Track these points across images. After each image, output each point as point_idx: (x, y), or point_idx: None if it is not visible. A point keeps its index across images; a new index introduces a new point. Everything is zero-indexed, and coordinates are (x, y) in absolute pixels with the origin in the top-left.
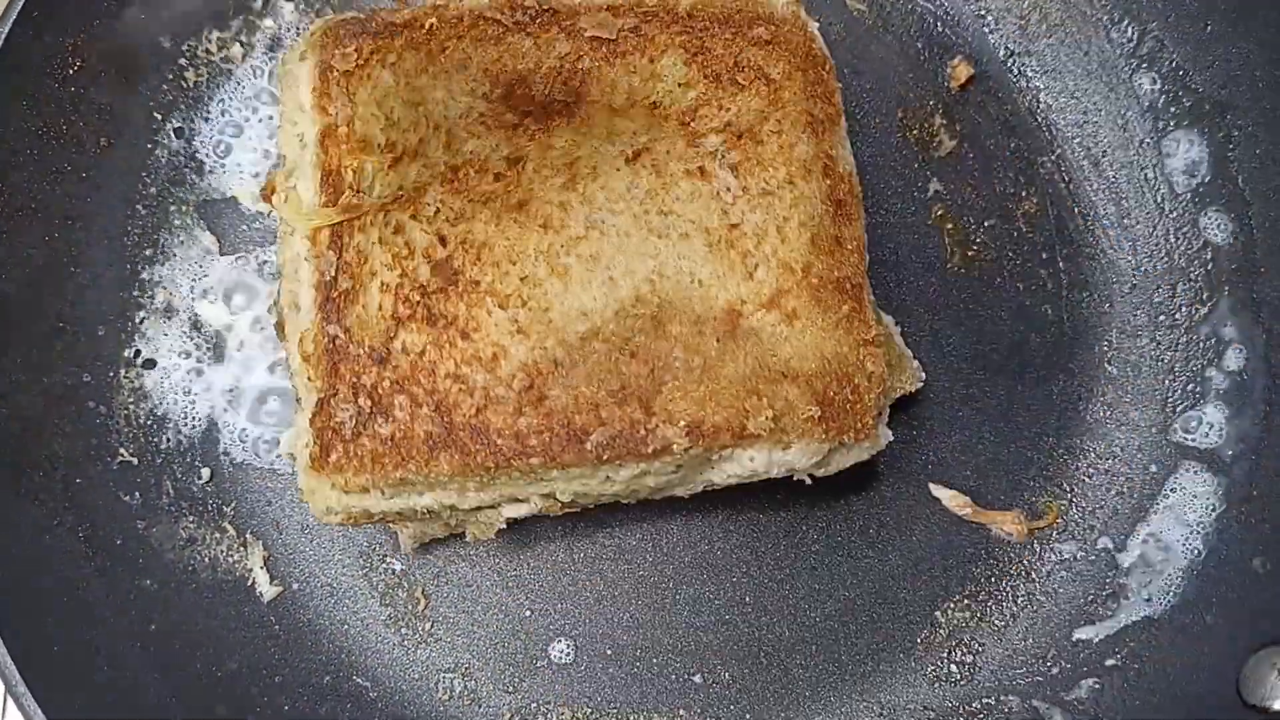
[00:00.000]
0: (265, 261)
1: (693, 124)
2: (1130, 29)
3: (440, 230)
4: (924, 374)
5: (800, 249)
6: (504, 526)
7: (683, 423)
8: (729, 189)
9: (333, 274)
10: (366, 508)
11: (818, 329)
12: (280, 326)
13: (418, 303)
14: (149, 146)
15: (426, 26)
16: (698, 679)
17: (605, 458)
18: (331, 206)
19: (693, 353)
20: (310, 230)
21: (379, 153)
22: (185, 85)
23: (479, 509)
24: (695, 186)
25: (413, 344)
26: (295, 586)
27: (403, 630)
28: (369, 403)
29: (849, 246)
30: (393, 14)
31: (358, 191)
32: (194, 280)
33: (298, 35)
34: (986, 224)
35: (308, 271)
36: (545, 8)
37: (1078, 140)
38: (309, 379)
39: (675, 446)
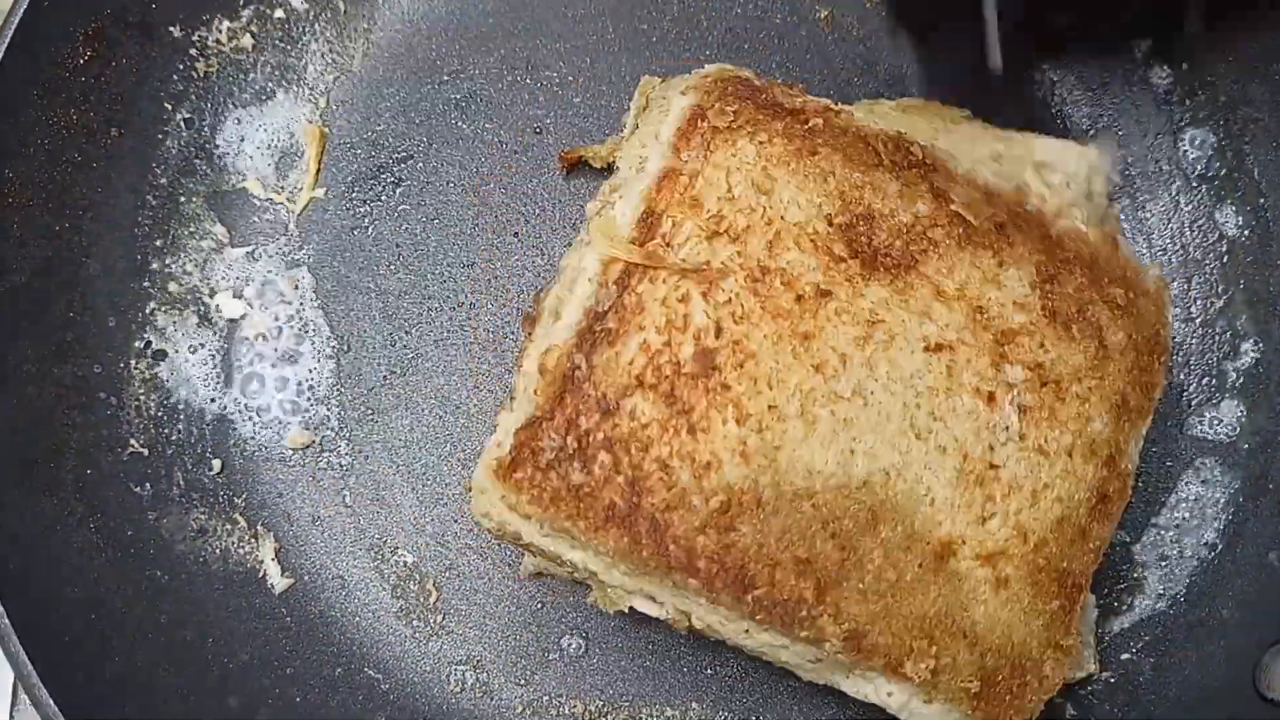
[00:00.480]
0: (280, 255)
1: (1006, 347)
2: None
3: (721, 320)
4: (1094, 664)
5: (1044, 523)
6: (625, 611)
7: (846, 625)
8: (1007, 429)
9: (605, 308)
10: (519, 531)
11: (1020, 609)
12: (530, 319)
13: (666, 377)
14: (159, 137)
15: (809, 124)
16: (709, 671)
17: (758, 617)
18: (638, 247)
19: (890, 565)
20: (606, 256)
21: (704, 218)
22: (196, 75)
23: (616, 586)
24: (976, 408)
25: (642, 412)
26: (306, 578)
27: (414, 622)
28: (575, 445)
29: (1091, 544)
30: (788, 95)
31: (667, 244)
32: (205, 271)
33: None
34: None
35: (585, 292)
36: (928, 162)
37: (1092, 134)
38: (534, 391)
39: (828, 645)
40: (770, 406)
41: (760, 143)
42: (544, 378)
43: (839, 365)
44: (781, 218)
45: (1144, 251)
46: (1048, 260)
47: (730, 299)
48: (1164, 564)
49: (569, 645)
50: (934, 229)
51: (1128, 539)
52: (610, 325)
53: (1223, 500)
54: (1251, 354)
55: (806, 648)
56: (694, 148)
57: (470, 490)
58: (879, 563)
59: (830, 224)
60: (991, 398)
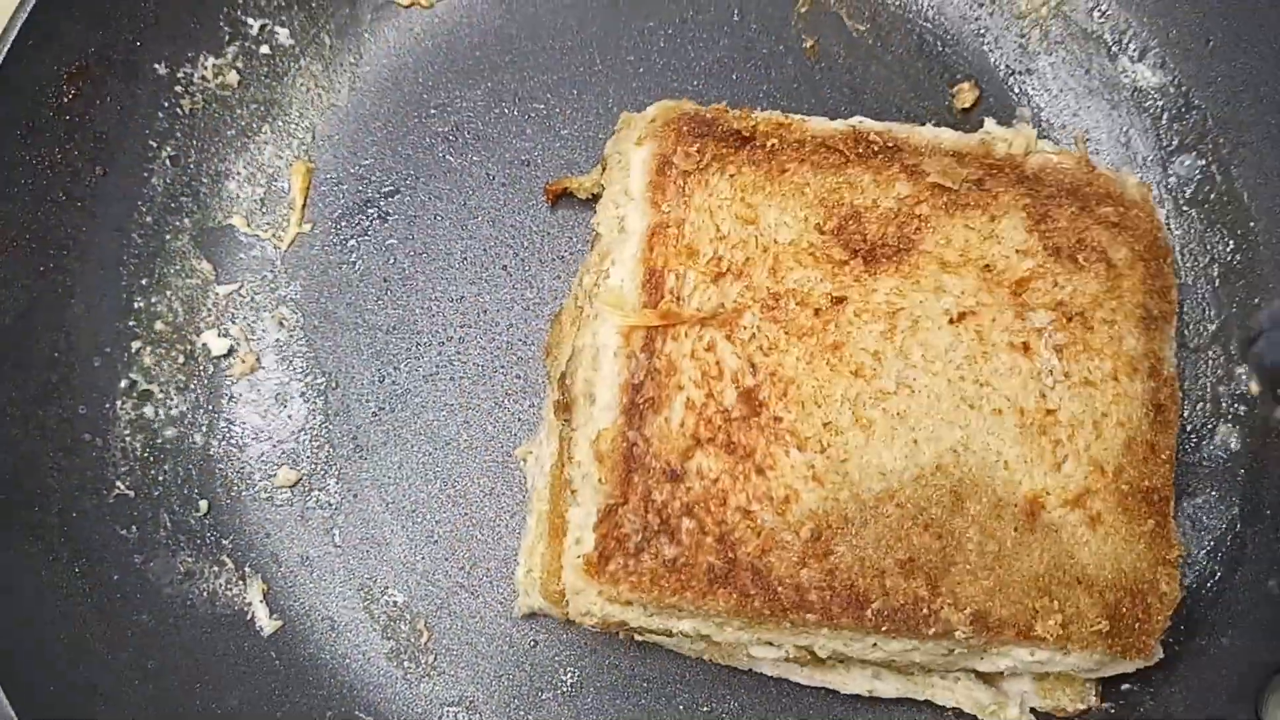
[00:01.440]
0: (267, 291)
1: (1024, 295)
2: (1131, 46)
3: (752, 357)
4: (1094, 697)
5: (1114, 449)
6: (743, 663)
7: (969, 610)
8: (1051, 372)
9: (641, 378)
10: (625, 619)
11: (1120, 539)
12: (561, 406)
13: (719, 427)
14: (145, 174)
15: (768, 146)
16: (705, 708)
17: (884, 629)
18: (651, 309)
19: (988, 537)
20: (625, 327)
21: (704, 264)
22: (181, 113)
23: (730, 643)
24: (1016, 362)
25: (708, 468)
26: (295, 620)
27: (405, 663)
28: (657, 520)
29: (1162, 456)
30: (737, 120)
31: (677, 299)
32: (191, 309)
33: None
34: None
35: (613, 367)
36: (890, 144)
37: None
38: (599, 480)
39: (958, 633)
40: (825, 424)
41: (731, 176)
42: (604, 464)
43: (875, 364)
44: (775, 241)
45: None
46: (1034, 201)
47: (754, 334)
48: None
49: (563, 684)
50: (919, 205)
51: None
52: (650, 394)
53: (1220, 527)
54: (1245, 379)
55: (938, 644)
56: (671, 196)
57: (526, 597)
58: (977, 539)
59: (821, 232)
60: (1027, 347)
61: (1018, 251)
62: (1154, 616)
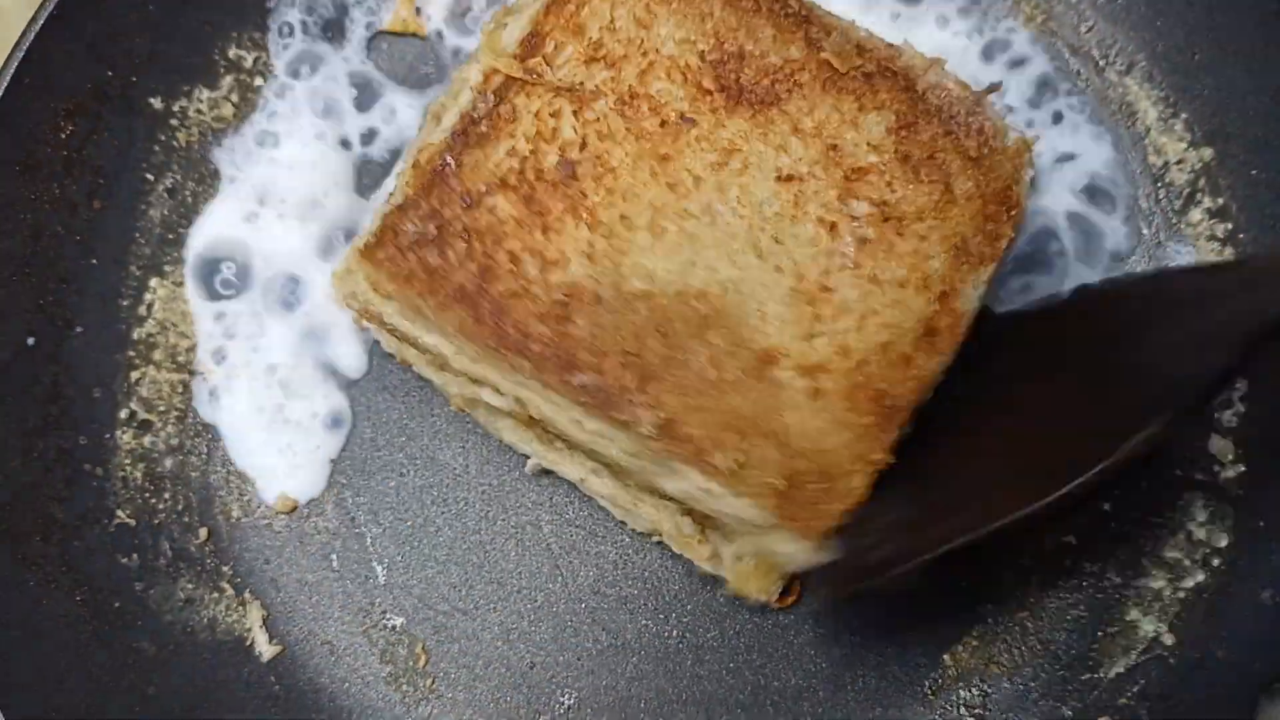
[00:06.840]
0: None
1: (855, 183)
2: (1119, 61)
3: (587, 136)
4: None
5: (867, 345)
6: (472, 409)
7: (662, 414)
8: (845, 255)
9: (482, 114)
10: (381, 312)
11: (831, 418)
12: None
13: (530, 181)
14: (142, 208)
15: None
16: None
17: (584, 401)
18: (520, 62)
19: (712, 366)
20: (488, 67)
21: (585, 44)
22: (177, 146)
23: (465, 377)
24: (817, 235)
25: (501, 209)
26: (294, 645)
27: (404, 687)
28: (434, 230)
29: (913, 371)
30: None
31: (548, 64)
32: (188, 339)
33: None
34: None
35: (466, 99)
36: (804, 12)
37: (1081, 190)
38: (406, 183)
39: (643, 429)
40: (622, 216)
41: None
42: (416, 170)
43: (691, 185)
44: (657, 50)
45: None
46: (909, 109)
47: (599, 119)
48: (1158, 606)
49: (560, 705)
50: (801, 73)
51: (1120, 581)
52: (483, 130)
53: (1215, 539)
54: (1239, 391)
55: (628, 439)
56: None
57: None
58: (701, 364)
59: (702, 60)
60: (834, 228)
61: (869, 145)
62: (833, 502)
